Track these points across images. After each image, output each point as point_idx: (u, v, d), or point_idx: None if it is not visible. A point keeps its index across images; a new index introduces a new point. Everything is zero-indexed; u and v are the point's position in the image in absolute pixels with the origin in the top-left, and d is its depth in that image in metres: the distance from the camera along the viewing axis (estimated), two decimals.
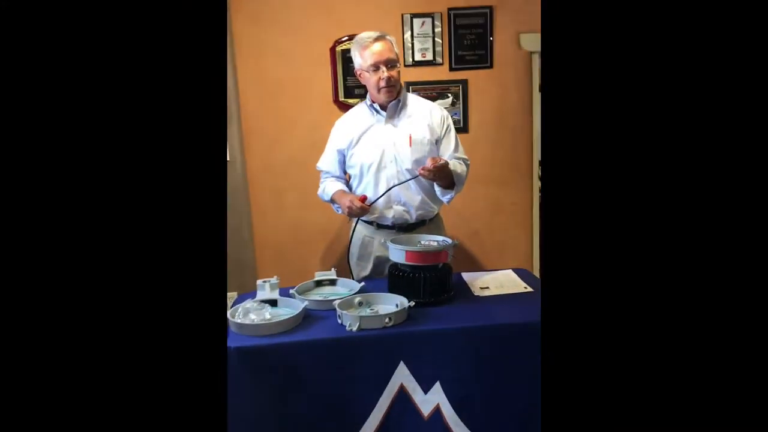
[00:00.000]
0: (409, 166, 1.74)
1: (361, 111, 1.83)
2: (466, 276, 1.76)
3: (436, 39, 2.38)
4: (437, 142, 1.78)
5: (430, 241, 1.63)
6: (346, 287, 1.68)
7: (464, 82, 2.42)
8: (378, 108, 1.77)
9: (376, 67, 1.68)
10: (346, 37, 2.33)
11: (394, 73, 1.68)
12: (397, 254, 1.52)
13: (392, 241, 1.58)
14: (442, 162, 1.56)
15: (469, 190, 2.47)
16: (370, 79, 1.71)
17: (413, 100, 1.82)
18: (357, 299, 1.49)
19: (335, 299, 1.47)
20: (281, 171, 2.46)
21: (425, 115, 1.77)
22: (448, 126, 1.79)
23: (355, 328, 1.33)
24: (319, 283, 1.73)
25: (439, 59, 2.40)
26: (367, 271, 1.88)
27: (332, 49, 2.36)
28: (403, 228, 1.80)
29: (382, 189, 1.75)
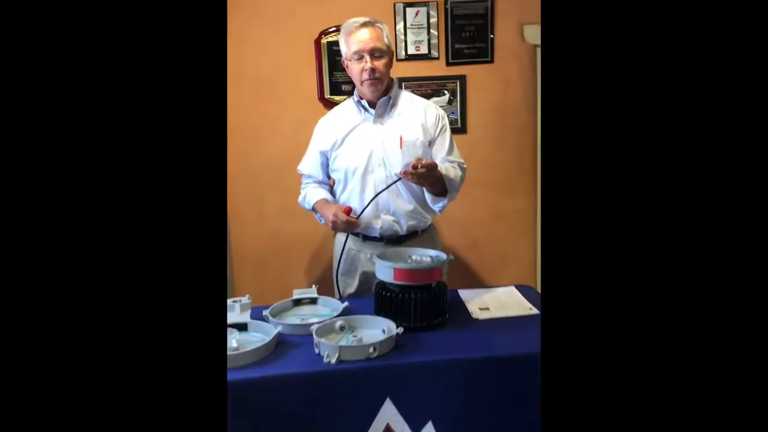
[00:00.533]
0: (399, 171, 1.59)
1: (347, 108, 1.69)
2: (464, 294, 1.61)
3: (431, 30, 2.25)
4: (431, 143, 1.64)
5: (423, 256, 1.47)
6: (328, 307, 1.54)
7: (462, 78, 2.30)
8: (366, 105, 1.62)
9: (359, 56, 1.54)
10: (333, 28, 2.19)
11: (380, 64, 1.54)
12: (384, 272, 1.37)
13: (379, 256, 1.43)
14: (428, 162, 1.41)
15: (468, 196, 2.35)
16: (353, 70, 1.58)
17: (406, 97, 1.68)
18: (338, 323, 1.34)
19: (314, 323, 1.32)
20: (261, 175, 2.34)
21: (419, 114, 1.64)
22: (443, 126, 1.66)
23: (333, 360, 1.17)
24: (298, 302, 1.58)
25: (434, 53, 2.28)
26: (353, 288, 1.73)
27: (317, 41, 2.24)
28: (393, 240, 1.66)
29: (369, 196, 1.61)
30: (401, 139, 1.58)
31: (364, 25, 1.53)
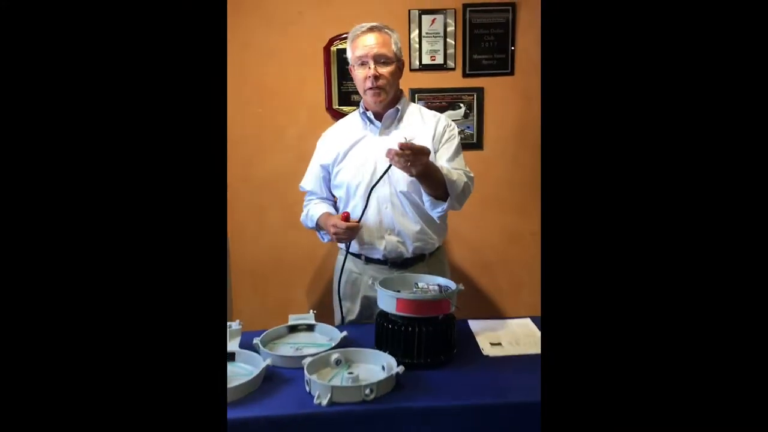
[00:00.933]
0: (405, 188, 1.50)
1: (352, 121, 1.62)
2: (474, 325, 1.51)
3: (447, 39, 2.16)
4: (435, 153, 1.53)
5: (430, 284, 1.36)
6: (326, 335, 1.45)
7: (480, 91, 2.20)
8: (371, 117, 1.53)
9: (362, 62, 1.46)
10: (345, 35, 2.09)
11: (385, 71, 1.46)
12: (386, 301, 1.27)
13: (382, 283, 1.33)
14: (418, 146, 1.26)
15: (481, 215, 2.26)
16: (357, 77, 1.50)
17: (415, 110, 1.59)
18: (334, 356, 1.24)
19: (306, 355, 1.22)
20: (264, 186, 2.26)
21: (428, 128, 1.55)
22: (450, 135, 1.55)
23: (325, 402, 1.07)
24: (294, 329, 1.49)
25: (450, 63, 2.18)
26: (354, 314, 1.62)
27: (326, 49, 2.16)
28: (398, 264, 1.56)
29: (372, 213, 1.52)
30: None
31: (371, 30, 1.46)
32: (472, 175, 1.53)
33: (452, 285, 1.34)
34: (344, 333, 1.38)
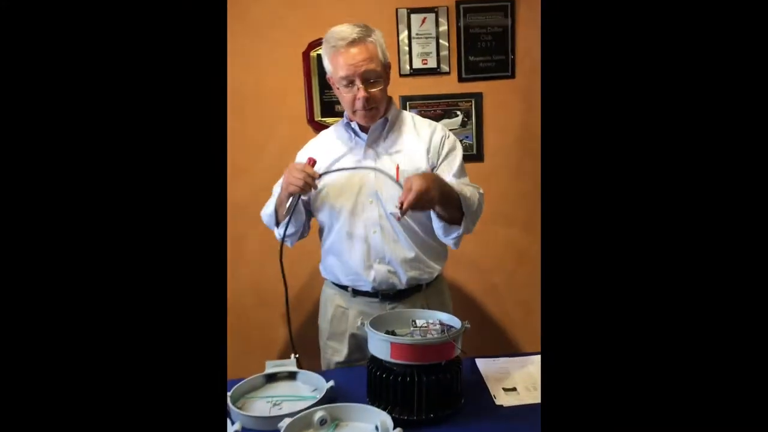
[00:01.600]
0: (396, 209, 1.31)
1: (335, 133, 1.45)
2: (484, 365, 1.32)
3: (440, 41, 2.02)
4: (433, 170, 1.38)
5: (430, 322, 1.17)
6: (310, 385, 1.27)
7: (478, 97, 2.06)
8: (356, 128, 1.36)
9: (349, 82, 1.28)
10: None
11: (376, 91, 1.29)
12: (378, 346, 1.08)
13: (373, 323, 1.14)
14: (418, 188, 1.12)
15: (484, 233, 2.07)
16: (342, 96, 1.33)
17: (407, 119, 1.43)
18: (318, 415, 1.06)
19: (284, 415, 1.03)
20: (240, 211, 2.08)
21: (423, 140, 1.38)
22: (450, 148, 1.39)
23: None
24: (273, 377, 1.30)
25: (444, 67, 2.04)
26: (341, 356, 1.44)
27: (306, 55, 2.02)
28: (390, 296, 1.38)
29: (358, 241, 1.35)
30: (398, 169, 1.32)
31: (353, 43, 1.26)
32: (482, 191, 1.38)
33: (456, 323, 1.15)
34: (330, 383, 1.19)
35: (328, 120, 2.02)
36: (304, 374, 1.29)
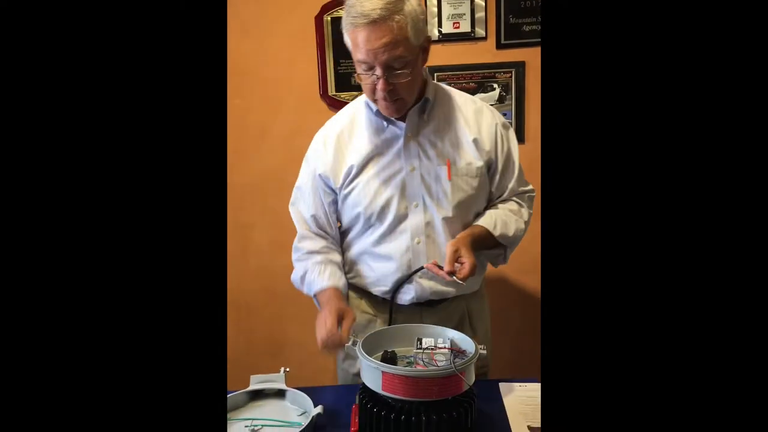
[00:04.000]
0: (449, 213, 1.19)
1: (362, 113, 1.24)
2: (507, 391, 1.18)
3: (476, 0, 1.84)
4: (490, 168, 1.24)
5: (438, 343, 1.02)
6: (299, 407, 1.17)
7: (519, 67, 1.88)
8: (391, 118, 1.19)
9: (369, 67, 1.10)
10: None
11: (402, 81, 1.09)
12: (369, 374, 0.95)
13: (367, 342, 1.01)
14: (467, 266, 1.10)
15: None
16: (362, 80, 1.14)
17: (447, 98, 1.24)
18: None
19: None
20: (246, 198, 2.03)
21: (469, 124, 1.21)
22: (506, 147, 1.24)
23: None
24: (259, 394, 1.21)
25: (480, 31, 1.87)
26: (356, 368, 1.32)
27: (318, 19, 1.89)
28: (426, 304, 1.26)
29: (398, 252, 1.22)
30: (449, 166, 1.17)
31: (375, 23, 1.04)
32: (534, 193, 1.31)
33: (470, 345, 0.99)
34: (318, 409, 1.06)
35: (343, 95, 1.90)
36: (293, 394, 1.18)
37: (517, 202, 1.27)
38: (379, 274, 1.23)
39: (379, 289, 1.25)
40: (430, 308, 1.25)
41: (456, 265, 1.10)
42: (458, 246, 1.12)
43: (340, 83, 1.89)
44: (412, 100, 1.15)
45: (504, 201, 1.27)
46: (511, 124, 1.86)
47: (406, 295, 1.23)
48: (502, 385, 1.19)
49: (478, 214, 1.24)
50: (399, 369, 0.90)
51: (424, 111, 1.19)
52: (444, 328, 1.08)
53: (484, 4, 1.83)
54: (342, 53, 1.85)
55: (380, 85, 1.08)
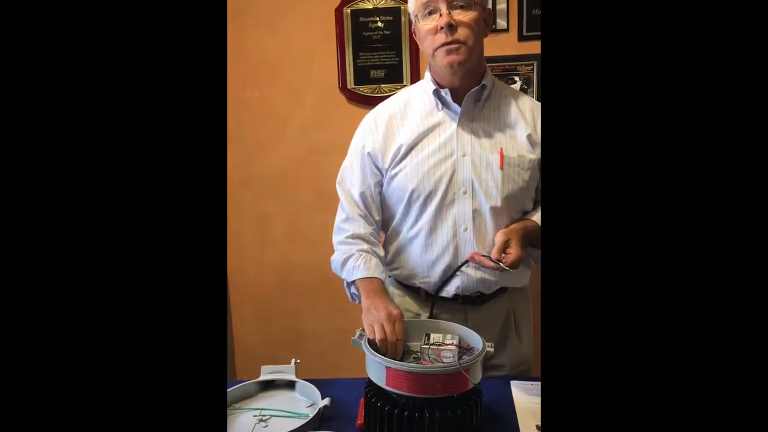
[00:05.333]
0: (498, 203, 1.16)
1: (417, 98, 1.23)
2: (519, 390, 1.15)
3: None
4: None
5: (447, 339, 1.01)
6: (308, 398, 1.17)
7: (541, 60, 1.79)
8: (447, 97, 1.17)
9: (430, 10, 1.10)
10: None
11: (466, 18, 1.09)
12: (373, 368, 0.95)
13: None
14: (514, 257, 1.10)
15: None
16: (422, 33, 1.14)
17: (504, 90, 1.23)
18: None
19: None
20: (265, 190, 2.05)
21: (527, 117, 1.19)
22: None
23: None
24: (271, 384, 1.22)
25: (501, 22, 1.83)
26: None
27: (338, 11, 1.87)
28: (472, 299, 1.23)
29: (443, 241, 1.19)
30: (501, 154, 1.14)
31: None
32: None
33: (477, 342, 0.98)
34: (325, 401, 1.07)
35: (362, 88, 1.89)
36: (303, 386, 1.19)
37: None
38: (424, 263, 1.21)
39: (424, 281, 1.22)
40: (474, 306, 1.22)
41: (502, 255, 1.09)
42: (509, 236, 1.11)
43: (359, 76, 1.88)
44: (473, 57, 1.12)
45: None
46: None
47: (451, 287, 1.20)
48: (514, 384, 1.18)
49: (526, 213, 1.21)
50: (403, 365, 0.90)
51: (480, 98, 1.17)
52: (454, 324, 1.07)
53: None
54: (361, 46, 1.84)
55: (443, 20, 1.07)
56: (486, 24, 1.14)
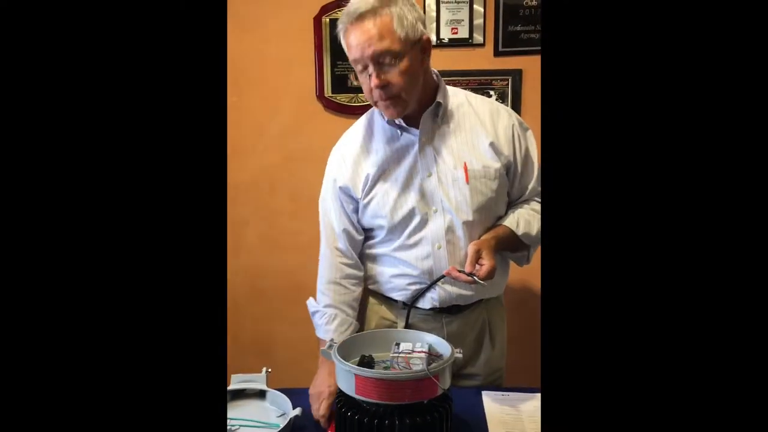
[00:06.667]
0: (470, 217, 1.18)
1: (378, 123, 1.24)
2: (490, 400, 1.17)
3: (474, 6, 1.84)
4: (509, 171, 1.22)
5: (416, 347, 1.02)
6: (279, 408, 1.17)
7: (516, 74, 1.87)
8: (403, 124, 1.18)
9: (362, 66, 1.10)
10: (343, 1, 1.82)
11: (393, 76, 1.08)
12: (343, 377, 0.95)
13: (345, 344, 1.01)
14: (487, 267, 1.12)
15: None
16: (362, 84, 1.16)
17: (460, 99, 1.23)
18: None
19: None
20: (240, 195, 2.03)
21: (485, 126, 1.20)
22: (524, 147, 1.24)
23: None
24: (239, 394, 1.22)
25: (478, 37, 1.87)
26: None
27: (317, 20, 1.89)
28: (448, 310, 1.26)
29: (418, 259, 1.22)
30: (466, 169, 1.16)
31: (362, 18, 1.06)
32: None
33: (445, 349, 0.99)
34: (297, 411, 1.07)
35: (339, 96, 1.90)
36: (274, 394, 1.18)
37: (539, 202, 1.25)
38: (400, 280, 1.23)
39: (400, 294, 1.24)
40: (451, 315, 1.24)
41: (476, 266, 1.10)
42: (480, 247, 1.12)
43: (336, 85, 1.89)
44: (412, 100, 1.13)
45: (526, 201, 1.26)
46: None
47: (427, 301, 1.22)
48: (486, 393, 1.19)
49: (500, 218, 1.24)
50: (371, 372, 0.90)
51: (437, 115, 1.18)
52: (423, 332, 1.08)
53: (482, 10, 1.83)
54: (339, 55, 1.85)
55: (372, 81, 1.08)
56: (423, 54, 1.13)
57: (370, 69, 1.07)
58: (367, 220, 1.23)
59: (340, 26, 1.11)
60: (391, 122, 1.18)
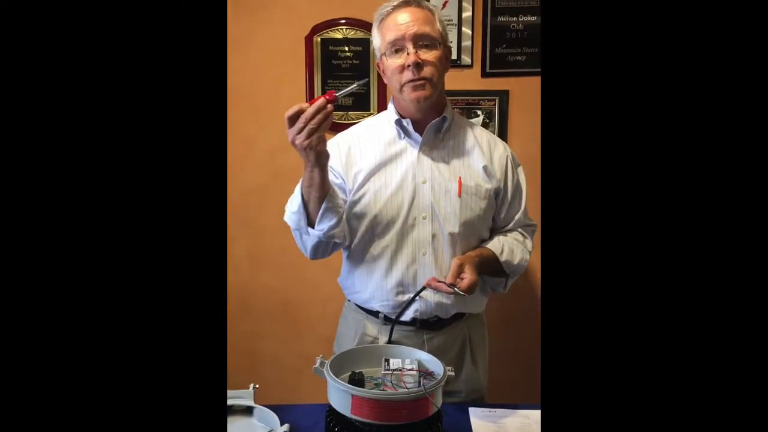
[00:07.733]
0: (456, 229, 1.21)
1: (381, 126, 1.27)
2: (477, 416, 1.17)
3: (463, 28, 1.87)
4: (498, 196, 1.26)
5: (406, 365, 1.03)
6: (266, 424, 1.16)
7: (503, 95, 1.90)
8: (409, 126, 1.21)
9: (397, 48, 1.16)
10: (342, 20, 1.86)
11: (430, 57, 1.15)
12: (337, 396, 0.95)
13: (335, 362, 1.01)
14: (469, 281, 1.13)
15: None
16: (389, 69, 1.19)
17: (464, 124, 1.30)
18: None
19: None
20: (229, 212, 2.00)
21: (483, 151, 1.25)
22: (516, 179, 1.29)
23: None
24: (228, 409, 1.20)
25: (466, 59, 1.89)
26: None
27: (308, 39, 1.90)
28: (429, 324, 1.27)
29: (403, 264, 1.22)
30: (460, 182, 1.19)
31: (406, 4, 1.17)
32: (536, 227, 1.35)
33: (438, 367, 1.00)
34: (285, 428, 1.06)
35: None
36: (261, 411, 1.18)
37: (522, 234, 1.30)
38: (383, 286, 1.23)
39: (383, 303, 1.24)
40: (432, 331, 1.25)
41: (457, 279, 1.13)
42: (464, 261, 1.14)
43: None
44: (436, 91, 1.18)
45: (510, 231, 1.30)
46: None
47: (409, 312, 1.23)
48: (472, 410, 1.20)
49: (483, 241, 1.27)
50: (370, 392, 0.91)
51: (440, 129, 1.22)
52: (411, 348, 1.09)
53: (471, 33, 1.86)
54: (330, 73, 1.87)
55: (410, 58, 1.12)
56: (447, 60, 1.21)
57: (409, 48, 1.13)
58: (355, 220, 1.23)
59: (377, 19, 1.19)
60: (398, 122, 1.22)
